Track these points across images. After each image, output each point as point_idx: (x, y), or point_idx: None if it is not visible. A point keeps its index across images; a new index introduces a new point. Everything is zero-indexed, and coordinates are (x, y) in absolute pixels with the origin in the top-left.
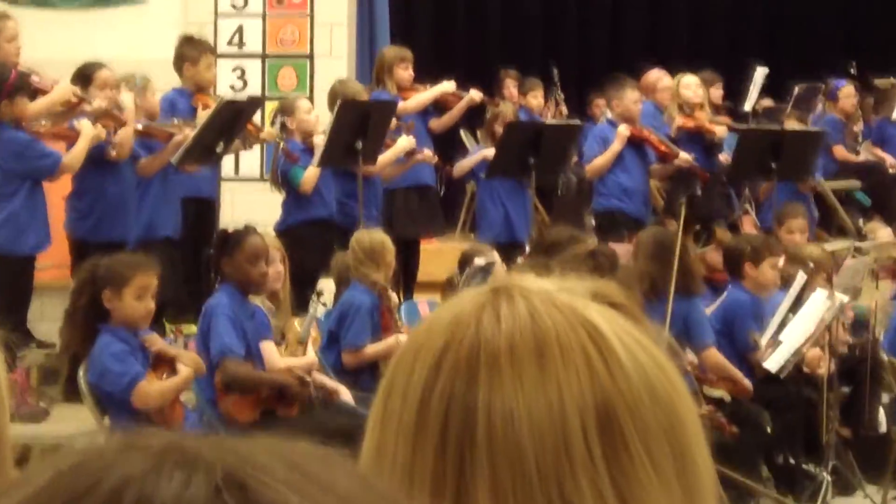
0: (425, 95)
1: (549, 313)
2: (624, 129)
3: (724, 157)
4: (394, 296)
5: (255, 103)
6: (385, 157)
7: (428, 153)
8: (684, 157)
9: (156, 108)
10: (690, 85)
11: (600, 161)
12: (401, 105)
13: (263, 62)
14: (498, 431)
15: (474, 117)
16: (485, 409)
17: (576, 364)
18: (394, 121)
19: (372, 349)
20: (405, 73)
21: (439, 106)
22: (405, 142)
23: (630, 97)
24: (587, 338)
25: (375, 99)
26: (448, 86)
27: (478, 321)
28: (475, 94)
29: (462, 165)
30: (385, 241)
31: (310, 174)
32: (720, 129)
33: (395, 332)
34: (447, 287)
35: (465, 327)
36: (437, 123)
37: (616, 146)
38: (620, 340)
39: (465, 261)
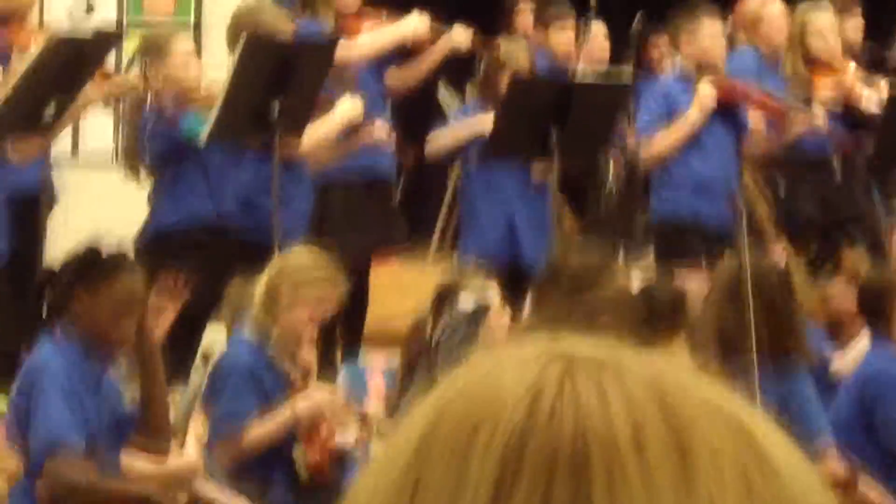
0: (383, 35)
1: (681, 398)
2: (707, 88)
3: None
4: (307, 357)
5: (107, 40)
6: (317, 132)
7: (382, 127)
8: (816, 114)
9: None
10: (823, 30)
11: (666, 138)
12: (343, 47)
13: None
14: None
15: (462, 68)
16: None
17: (730, 474)
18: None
19: (256, 433)
20: None
21: (404, 50)
22: (349, 106)
23: (708, 31)
24: (735, 438)
25: (303, 35)
26: (418, 21)
27: (574, 395)
28: (460, 35)
29: (439, 139)
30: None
31: None
32: (870, 95)
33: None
34: (413, 338)
35: (551, 400)
36: (399, 77)
37: (694, 115)
38: (774, 446)
39: (443, 298)
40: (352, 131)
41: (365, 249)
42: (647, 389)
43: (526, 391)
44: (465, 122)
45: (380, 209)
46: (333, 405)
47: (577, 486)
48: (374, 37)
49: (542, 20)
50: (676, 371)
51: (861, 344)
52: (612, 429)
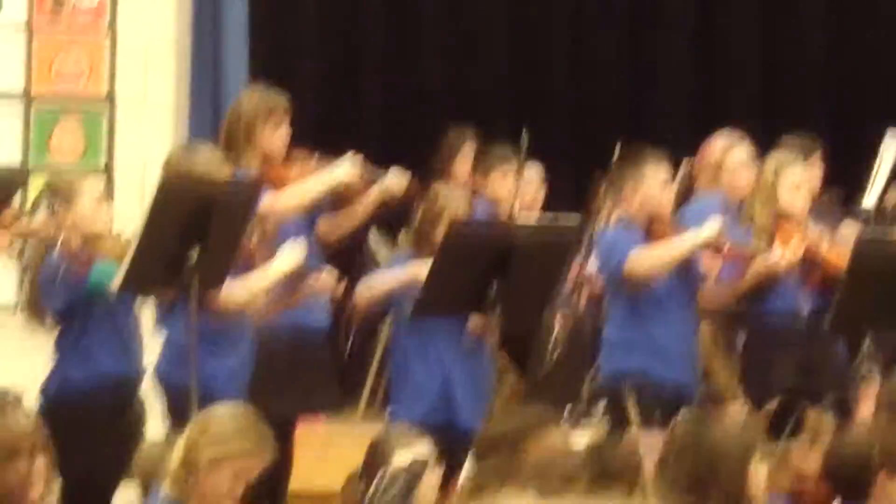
0: (312, 185)
1: None
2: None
3: None
4: None
5: (11, 182)
6: (257, 282)
7: (328, 279)
8: (777, 257)
9: None
10: (798, 185)
11: (657, 254)
12: (267, 200)
13: (27, 108)
14: None
15: (394, 215)
16: None
17: None
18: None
19: None
20: (275, 135)
21: (336, 197)
22: (293, 254)
23: (653, 179)
24: None
25: (233, 181)
26: (350, 166)
27: None
28: (395, 180)
29: (370, 288)
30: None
31: None
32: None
33: None
34: (347, 497)
35: None
36: (331, 226)
37: (697, 234)
38: None
39: (375, 457)
40: (292, 284)
41: (291, 414)
42: None
43: None
44: (398, 271)
45: (310, 369)
46: None
47: None
48: (303, 188)
49: (483, 165)
50: None
51: None
52: None
